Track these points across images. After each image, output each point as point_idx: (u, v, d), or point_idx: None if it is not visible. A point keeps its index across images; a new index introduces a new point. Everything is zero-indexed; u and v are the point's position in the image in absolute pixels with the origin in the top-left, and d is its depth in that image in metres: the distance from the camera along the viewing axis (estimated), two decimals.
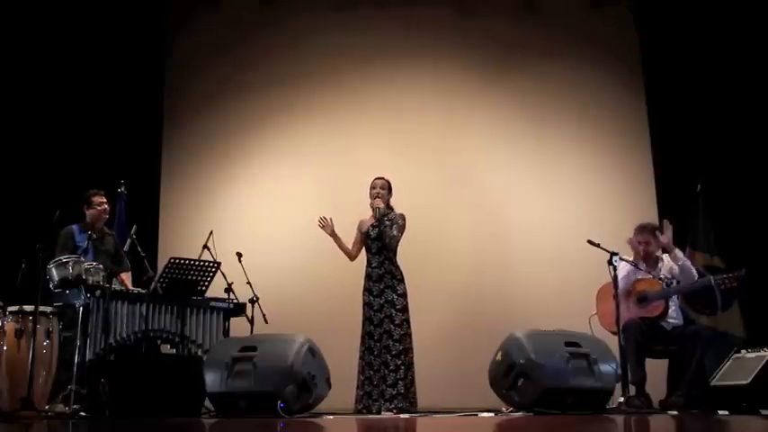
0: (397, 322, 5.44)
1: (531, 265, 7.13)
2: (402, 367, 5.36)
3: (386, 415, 5.13)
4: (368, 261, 5.63)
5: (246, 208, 7.38)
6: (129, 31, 7.19)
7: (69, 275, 5.04)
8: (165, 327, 5.37)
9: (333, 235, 5.69)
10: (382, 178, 5.73)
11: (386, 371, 5.35)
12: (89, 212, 5.70)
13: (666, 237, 5.37)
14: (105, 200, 5.78)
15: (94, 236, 5.56)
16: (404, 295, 5.53)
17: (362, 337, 5.52)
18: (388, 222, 5.58)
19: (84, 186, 5.86)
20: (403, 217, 5.64)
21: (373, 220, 5.62)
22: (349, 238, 5.74)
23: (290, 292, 6.83)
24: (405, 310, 5.50)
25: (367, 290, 5.56)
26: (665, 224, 5.43)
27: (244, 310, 5.75)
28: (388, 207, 5.68)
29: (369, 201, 5.66)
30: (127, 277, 5.82)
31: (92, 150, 6.85)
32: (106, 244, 5.73)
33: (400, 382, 5.33)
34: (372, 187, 5.68)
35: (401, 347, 5.39)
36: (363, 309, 5.56)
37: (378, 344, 5.42)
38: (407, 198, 5.90)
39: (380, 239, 5.57)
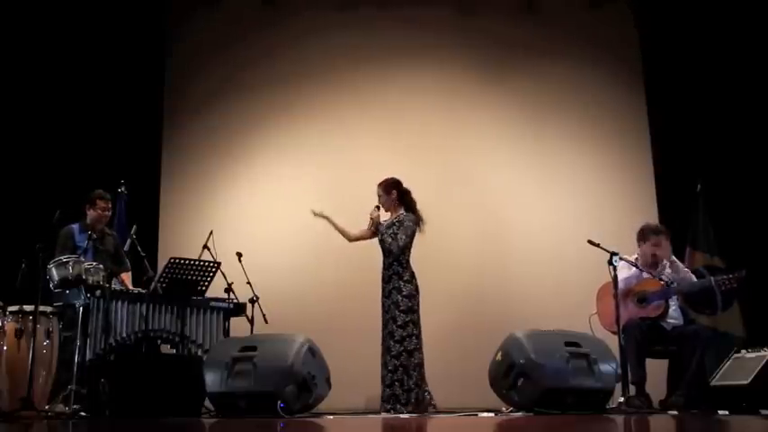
0: (399, 323, 5.37)
1: (531, 265, 7.13)
2: (400, 369, 5.28)
3: (385, 415, 5.12)
4: (382, 262, 5.58)
5: (246, 208, 7.37)
6: (129, 31, 7.19)
7: (69, 275, 5.04)
8: (165, 327, 5.38)
9: (325, 217, 5.65)
10: (382, 183, 5.65)
11: (384, 371, 5.33)
12: (90, 212, 5.67)
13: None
14: (109, 205, 5.74)
15: (95, 236, 5.55)
16: (409, 296, 5.42)
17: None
18: (396, 224, 5.52)
19: (83, 186, 5.84)
20: (411, 219, 5.55)
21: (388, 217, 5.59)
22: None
23: (290, 292, 6.82)
24: (409, 311, 5.40)
25: (381, 290, 5.52)
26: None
27: (244, 310, 5.76)
28: (398, 205, 5.61)
29: (370, 200, 5.63)
30: (127, 277, 5.81)
31: (92, 150, 6.84)
32: (106, 244, 5.73)
33: (396, 383, 5.26)
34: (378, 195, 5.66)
35: (401, 348, 5.31)
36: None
37: (382, 345, 5.42)
38: None
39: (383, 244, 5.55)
